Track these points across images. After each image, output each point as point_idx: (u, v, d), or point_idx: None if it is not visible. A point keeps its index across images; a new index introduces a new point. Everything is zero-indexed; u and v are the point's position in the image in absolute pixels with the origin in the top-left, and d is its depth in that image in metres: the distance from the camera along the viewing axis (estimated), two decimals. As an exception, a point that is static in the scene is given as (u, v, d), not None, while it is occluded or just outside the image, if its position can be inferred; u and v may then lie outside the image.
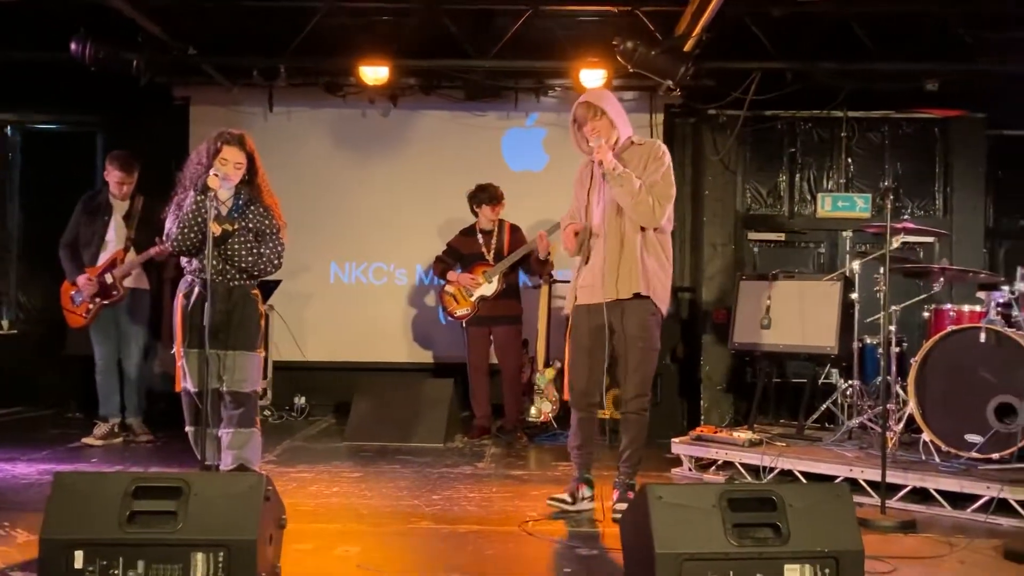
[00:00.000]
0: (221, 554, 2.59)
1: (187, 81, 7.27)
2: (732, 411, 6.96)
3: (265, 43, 6.67)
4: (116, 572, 2.59)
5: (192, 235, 4.05)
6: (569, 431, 4.30)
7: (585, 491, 4.21)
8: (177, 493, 2.68)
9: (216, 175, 4.00)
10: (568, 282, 6.84)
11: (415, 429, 6.13)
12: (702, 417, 6.91)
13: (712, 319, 7.04)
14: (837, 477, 4.43)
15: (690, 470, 5.15)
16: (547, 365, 6.50)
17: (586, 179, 4.29)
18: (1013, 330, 4.55)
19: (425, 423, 6.17)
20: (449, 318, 6.55)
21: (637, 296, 4.07)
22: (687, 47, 5.96)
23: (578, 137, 4.26)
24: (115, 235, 5.92)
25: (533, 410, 6.47)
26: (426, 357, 7.49)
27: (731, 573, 2.60)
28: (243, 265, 4.17)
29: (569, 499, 4.15)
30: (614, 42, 5.88)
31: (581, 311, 4.21)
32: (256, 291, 4.31)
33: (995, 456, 4.36)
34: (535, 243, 6.06)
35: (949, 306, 5.15)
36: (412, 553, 3.55)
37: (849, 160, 7.26)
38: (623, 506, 3.94)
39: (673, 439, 5.26)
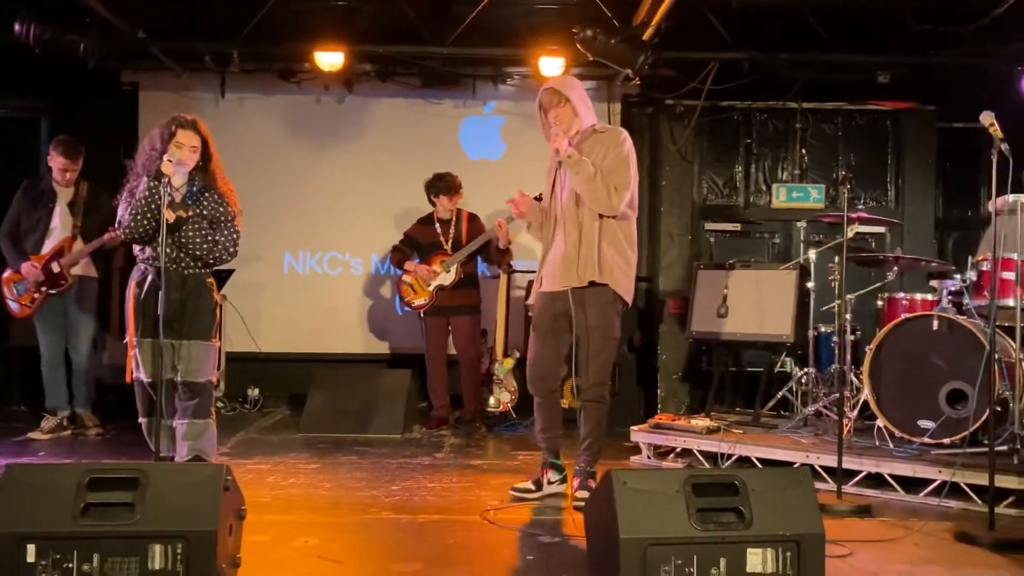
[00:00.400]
0: (180, 546, 2.53)
1: (136, 66, 7.10)
2: (689, 399, 7.02)
3: (217, 28, 6.54)
4: (70, 566, 2.51)
5: (145, 222, 3.96)
6: (534, 418, 4.33)
7: (552, 476, 4.23)
8: (134, 484, 2.60)
9: (170, 161, 3.92)
10: (527, 272, 6.90)
11: (372, 420, 6.07)
12: (659, 406, 6.95)
13: (669, 308, 7.08)
14: (794, 463, 4.48)
15: (649, 458, 5.18)
16: (506, 355, 6.49)
17: (553, 165, 4.29)
18: (964, 318, 4.64)
19: (382, 414, 6.11)
20: (406, 308, 6.50)
21: (594, 284, 4.07)
22: (646, 36, 5.97)
23: (544, 123, 4.24)
24: (60, 223, 5.77)
25: (492, 400, 6.46)
26: (383, 348, 7.44)
27: (695, 557, 2.61)
28: (198, 253, 4.08)
29: (533, 487, 4.17)
30: (574, 30, 5.87)
31: (544, 298, 4.22)
32: (211, 279, 4.22)
33: (947, 441, 4.45)
34: (494, 232, 6.04)
35: (902, 295, 5.23)
36: (372, 543, 3.51)
37: (803, 151, 7.35)
38: (584, 494, 3.95)
39: (632, 427, 5.29)
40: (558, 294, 4.12)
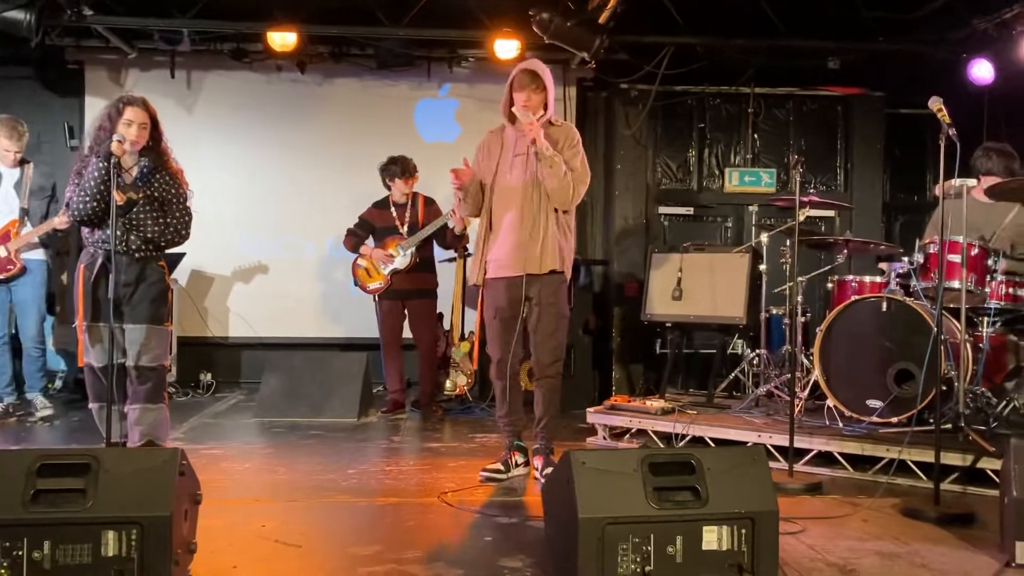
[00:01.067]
0: (134, 531, 2.49)
1: (82, 44, 6.93)
2: (643, 381, 7.09)
3: (167, 6, 6.40)
4: (20, 554, 2.46)
5: (94, 204, 3.88)
6: (496, 402, 4.38)
7: (518, 458, 4.30)
8: (85, 470, 2.56)
9: (120, 141, 3.84)
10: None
11: (328, 404, 6.04)
12: (614, 388, 7.03)
13: (624, 291, 7.13)
14: (747, 443, 4.55)
15: (604, 439, 5.22)
16: (462, 338, 6.49)
17: (495, 148, 4.28)
18: (912, 300, 4.74)
19: (338, 398, 6.08)
20: (362, 292, 6.46)
21: (553, 271, 4.16)
22: (602, 19, 5.98)
23: (510, 100, 4.20)
24: (5, 205, 5.62)
25: (448, 383, 6.46)
26: (337, 332, 7.39)
27: (652, 536, 2.64)
28: (149, 235, 4.01)
29: (502, 468, 4.22)
30: (530, 12, 5.87)
31: (498, 284, 4.23)
32: (163, 262, 4.15)
33: (894, 420, 4.55)
34: (446, 219, 6.02)
35: (851, 277, 5.33)
36: (330, 526, 3.49)
37: (755, 136, 7.44)
38: (551, 470, 4.00)
39: (588, 409, 5.32)
40: (514, 280, 4.16)
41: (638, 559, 2.62)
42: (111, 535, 2.49)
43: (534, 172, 4.13)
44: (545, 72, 4.19)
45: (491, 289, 4.26)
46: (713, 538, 2.67)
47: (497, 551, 3.17)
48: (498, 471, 4.21)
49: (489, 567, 2.98)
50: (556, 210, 4.16)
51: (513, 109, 4.14)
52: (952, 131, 3.78)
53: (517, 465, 4.28)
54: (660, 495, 2.68)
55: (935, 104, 3.84)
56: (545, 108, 4.16)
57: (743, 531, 2.69)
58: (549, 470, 4.02)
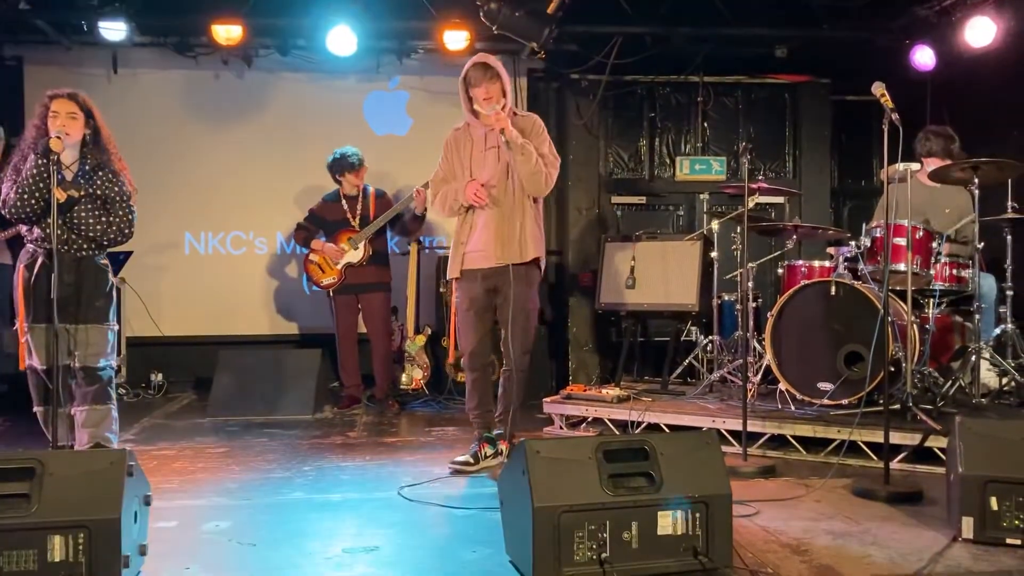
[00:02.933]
0: (81, 535, 2.44)
1: (20, 39, 6.76)
2: (599, 370, 7.13)
3: (107, -1, 6.27)
4: (-38, 562, 2.40)
5: (33, 201, 3.78)
6: (466, 394, 4.40)
7: (488, 450, 4.31)
8: (29, 474, 2.50)
9: (58, 137, 3.74)
10: (439, 249, 6.86)
11: (282, 401, 5.98)
12: (570, 377, 7.05)
13: (578, 281, 7.15)
14: (702, 428, 4.59)
15: (561, 428, 5.24)
16: (418, 332, 6.46)
17: (464, 144, 4.28)
18: (860, 283, 4.82)
19: (292, 395, 6.02)
20: (314, 287, 6.40)
21: (533, 260, 4.22)
22: (550, 9, 5.97)
23: (469, 98, 4.19)
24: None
25: (404, 377, 6.43)
26: (291, 328, 7.31)
27: (607, 522, 2.65)
28: (91, 234, 3.93)
29: (472, 460, 4.22)
30: (478, 2, 5.83)
31: (474, 275, 4.26)
32: (106, 261, 4.07)
33: (845, 402, 4.63)
34: (409, 201, 5.98)
35: (801, 262, 5.41)
36: (287, 524, 3.45)
37: (705, 124, 7.49)
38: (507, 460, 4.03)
39: (544, 399, 5.33)
40: (490, 270, 4.20)
41: (594, 546, 2.63)
42: (57, 540, 2.44)
43: (506, 164, 4.16)
44: (496, 62, 4.19)
45: (467, 280, 4.28)
46: (668, 523, 2.69)
47: (456, 543, 3.17)
48: (467, 463, 4.19)
49: (448, 559, 2.97)
50: (530, 199, 4.21)
51: (475, 107, 4.13)
52: (895, 115, 3.84)
53: (486, 456, 4.28)
54: (615, 482, 2.70)
55: (878, 89, 3.90)
56: (504, 96, 4.15)
57: (697, 515, 2.71)
58: None
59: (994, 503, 3.00)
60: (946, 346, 5.16)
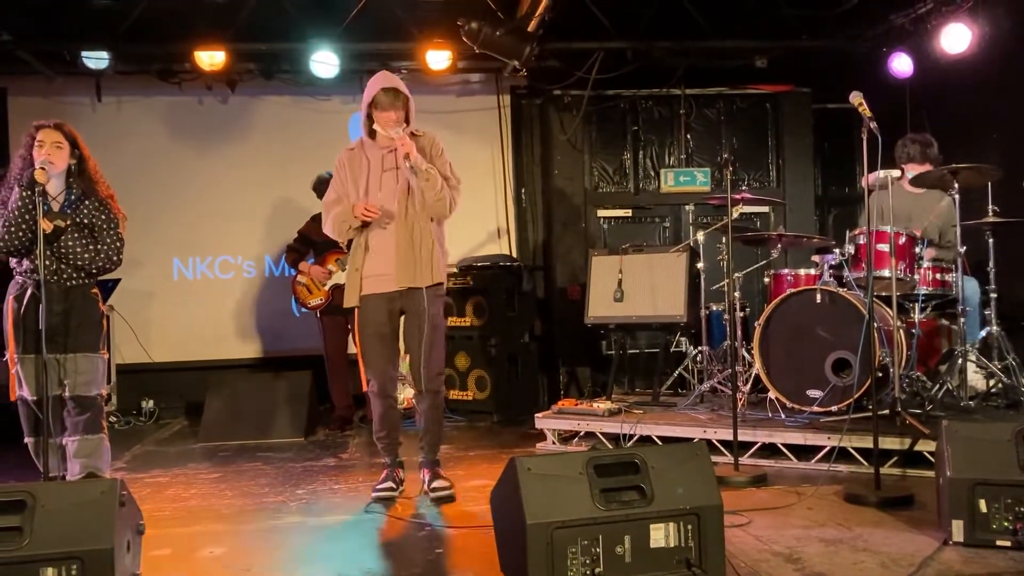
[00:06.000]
0: (75, 567, 2.44)
1: (3, 70, 6.77)
2: (590, 383, 7.14)
3: (91, 28, 6.28)
4: (-45, 597, 2.40)
5: (20, 234, 3.78)
6: (374, 422, 4.27)
7: (402, 474, 4.27)
8: (21, 507, 2.50)
9: (43, 168, 3.75)
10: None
11: (274, 425, 5.97)
12: (562, 391, 7.06)
13: (567, 295, 7.18)
14: (693, 439, 4.59)
15: (554, 443, 5.25)
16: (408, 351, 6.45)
17: (361, 166, 4.18)
18: (845, 290, 4.86)
19: (284, 418, 6.02)
20: (303, 309, 6.40)
21: (438, 283, 4.14)
22: (531, 27, 6.03)
23: (372, 118, 4.11)
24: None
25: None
26: (281, 351, 7.30)
27: (600, 537, 2.66)
28: (79, 263, 3.93)
29: (394, 485, 4.18)
30: (459, 22, 5.89)
31: (377, 300, 4.12)
32: (95, 290, 4.07)
33: (834, 409, 4.65)
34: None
35: (787, 271, 5.44)
36: (281, 549, 3.45)
37: (688, 136, 7.54)
38: (442, 483, 4.10)
39: (536, 415, 5.34)
40: (395, 294, 4.09)
41: (588, 561, 2.64)
42: (50, 572, 2.44)
43: (406, 185, 4.08)
44: (402, 85, 4.12)
45: (369, 305, 4.14)
46: (660, 535, 2.71)
47: (449, 563, 3.17)
48: (391, 489, 4.15)
49: (441, 579, 2.98)
50: (432, 220, 4.13)
51: (375, 127, 4.08)
52: (873, 124, 3.89)
53: (402, 480, 4.25)
54: (606, 496, 2.71)
55: (856, 99, 3.95)
56: (407, 122, 4.10)
57: (689, 526, 2.73)
58: (442, 483, 4.09)
59: (983, 505, 3.03)
60: (933, 350, 5.20)
